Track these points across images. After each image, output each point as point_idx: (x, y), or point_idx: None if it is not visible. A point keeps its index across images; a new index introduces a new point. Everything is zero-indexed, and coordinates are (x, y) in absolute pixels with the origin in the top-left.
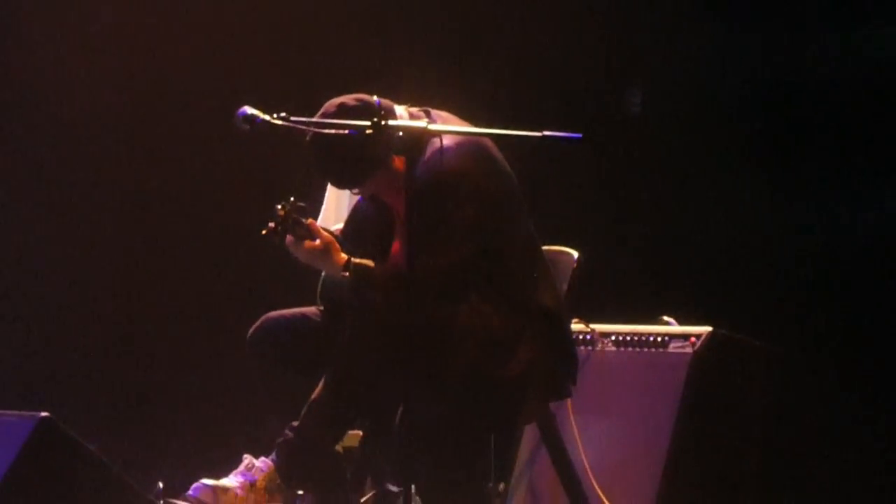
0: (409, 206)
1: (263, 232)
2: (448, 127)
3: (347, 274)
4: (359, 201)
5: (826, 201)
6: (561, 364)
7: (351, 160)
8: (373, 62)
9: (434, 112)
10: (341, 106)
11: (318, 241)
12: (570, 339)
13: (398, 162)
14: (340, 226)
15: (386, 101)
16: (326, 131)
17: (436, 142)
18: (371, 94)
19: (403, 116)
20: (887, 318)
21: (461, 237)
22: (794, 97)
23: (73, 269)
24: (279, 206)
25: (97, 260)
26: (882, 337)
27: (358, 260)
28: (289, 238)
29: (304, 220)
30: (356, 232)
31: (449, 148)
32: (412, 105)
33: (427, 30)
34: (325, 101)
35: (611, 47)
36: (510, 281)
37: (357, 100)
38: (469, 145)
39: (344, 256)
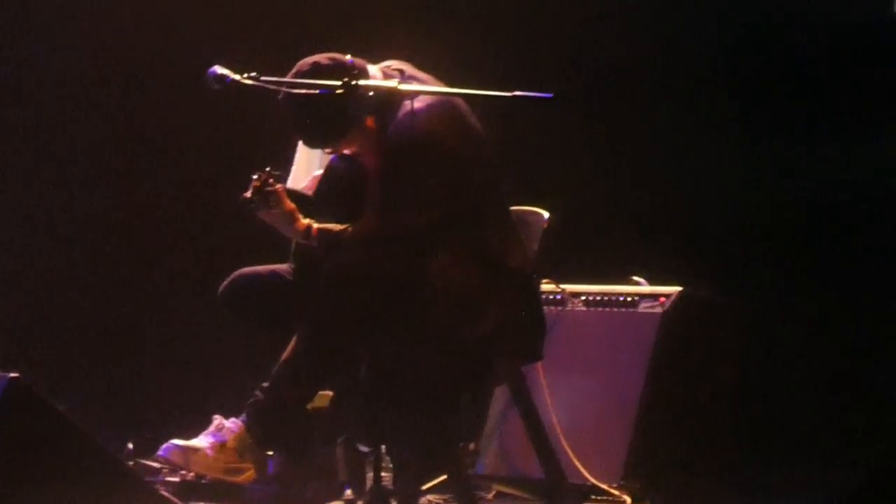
0: (382, 165)
1: (239, 200)
2: (418, 87)
3: (311, 239)
4: (332, 160)
5: (794, 156)
6: (531, 326)
7: (323, 120)
8: (345, 22)
9: (409, 72)
10: (315, 65)
11: (281, 209)
12: (539, 303)
13: (370, 121)
14: (316, 174)
15: (359, 61)
16: (297, 91)
17: (408, 103)
18: (344, 53)
19: (377, 76)
20: (858, 271)
21: (431, 199)
22: (761, 52)
23: (46, 229)
24: (255, 177)
25: (71, 220)
26: (853, 289)
27: (320, 225)
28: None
29: (273, 188)
30: (330, 191)
31: (420, 109)
32: (388, 63)
33: None
34: (298, 61)
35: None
36: (480, 242)
37: (330, 59)
38: (441, 106)
39: (305, 222)
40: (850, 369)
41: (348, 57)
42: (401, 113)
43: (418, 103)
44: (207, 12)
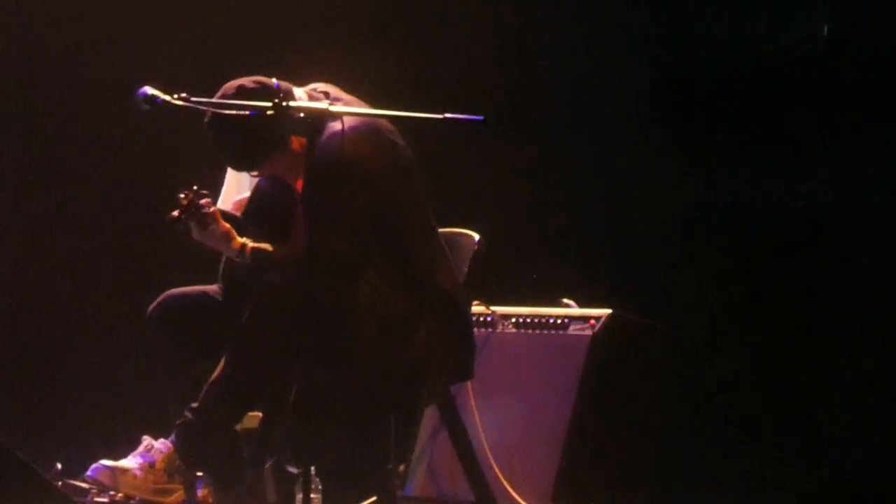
0: (307, 187)
1: (167, 220)
2: (348, 108)
3: (245, 257)
4: (260, 181)
5: (722, 178)
6: (460, 347)
7: (249, 142)
8: (274, 44)
9: (334, 94)
10: (240, 88)
11: (217, 228)
12: (469, 323)
13: (297, 143)
14: (243, 196)
15: (285, 84)
16: (227, 112)
17: (333, 125)
18: (270, 76)
19: (302, 98)
20: (785, 293)
21: (355, 222)
22: (692, 76)
23: None
24: (182, 195)
25: None
26: (781, 311)
27: (254, 244)
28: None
29: (205, 208)
30: (257, 211)
31: (344, 131)
32: (314, 86)
33: (332, 9)
34: (225, 83)
35: (509, 25)
36: (408, 263)
37: (256, 82)
38: (366, 127)
39: (240, 241)
40: (778, 391)
41: (274, 80)
42: (326, 135)
43: (343, 125)
44: (139, 33)
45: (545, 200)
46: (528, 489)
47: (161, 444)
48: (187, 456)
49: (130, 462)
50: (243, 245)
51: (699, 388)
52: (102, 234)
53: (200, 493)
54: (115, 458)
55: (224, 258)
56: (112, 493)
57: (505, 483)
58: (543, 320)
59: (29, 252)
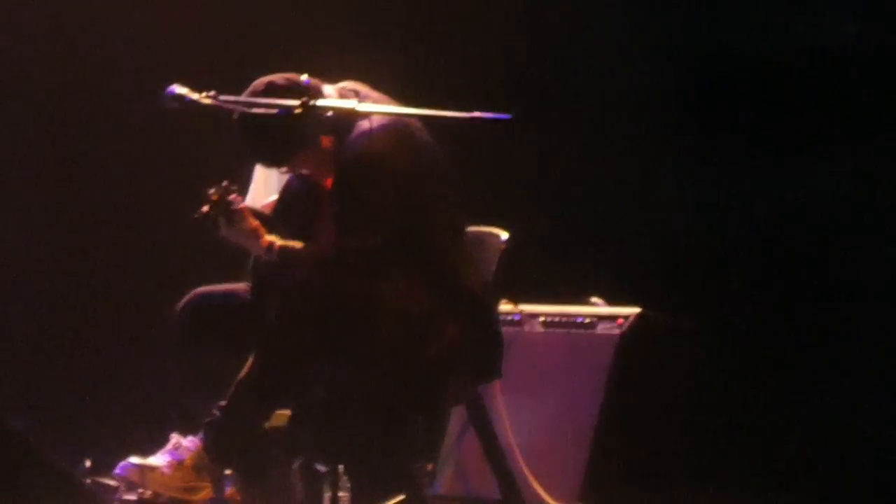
0: (335, 185)
1: (196, 216)
2: (376, 107)
3: (273, 255)
4: (290, 179)
5: (750, 181)
6: (487, 346)
7: (277, 139)
8: (304, 42)
9: (363, 92)
10: (270, 84)
11: (245, 225)
12: (496, 322)
13: (326, 141)
14: (272, 199)
15: (314, 81)
16: (255, 110)
17: (361, 124)
18: (300, 73)
19: (332, 96)
20: (814, 295)
21: (382, 220)
22: (720, 76)
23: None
24: (212, 191)
25: (20, 238)
26: (809, 313)
27: (283, 242)
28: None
29: (234, 204)
30: (285, 209)
31: (373, 130)
32: (343, 84)
33: (361, 7)
34: (255, 80)
35: (530, 26)
36: (433, 261)
37: (286, 79)
38: (393, 127)
39: (269, 239)
40: (806, 392)
41: (304, 77)
42: (355, 133)
43: (371, 123)
44: (166, 31)
45: (573, 199)
46: (556, 488)
47: (189, 442)
48: (215, 454)
49: (159, 460)
50: (271, 243)
51: (727, 388)
52: (129, 232)
53: (228, 491)
54: (144, 456)
55: (253, 256)
56: (140, 490)
57: (532, 482)
58: (571, 319)
59: (59, 249)
